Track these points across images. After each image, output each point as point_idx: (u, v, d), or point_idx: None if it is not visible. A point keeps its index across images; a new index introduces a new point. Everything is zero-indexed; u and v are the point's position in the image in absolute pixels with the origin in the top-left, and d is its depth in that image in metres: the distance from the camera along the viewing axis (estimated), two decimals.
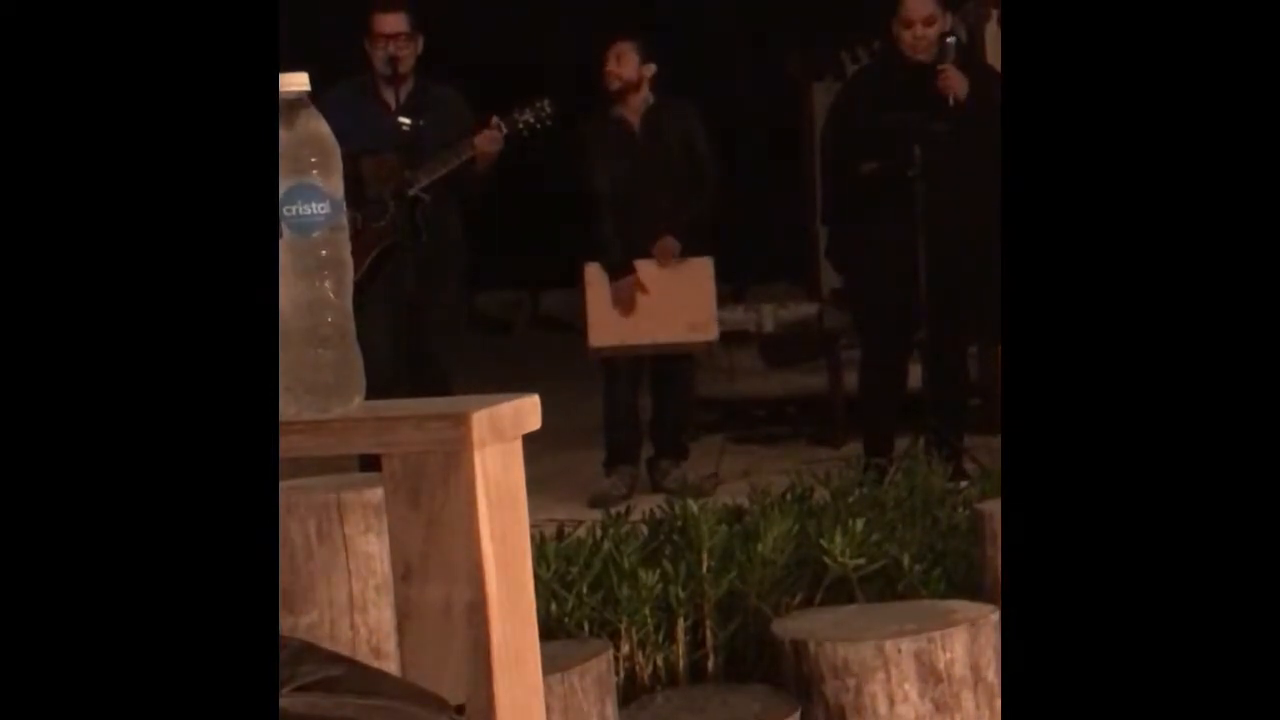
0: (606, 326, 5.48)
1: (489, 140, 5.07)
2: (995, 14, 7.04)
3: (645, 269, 5.48)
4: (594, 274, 5.51)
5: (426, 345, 5.18)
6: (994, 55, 6.86)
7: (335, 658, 1.55)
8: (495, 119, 5.10)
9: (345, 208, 1.59)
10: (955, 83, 5.02)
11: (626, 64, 5.51)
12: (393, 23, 5.16)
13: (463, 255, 5.36)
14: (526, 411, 1.64)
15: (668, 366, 5.67)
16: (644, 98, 5.57)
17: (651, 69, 5.55)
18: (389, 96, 5.17)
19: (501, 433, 1.59)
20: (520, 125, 5.14)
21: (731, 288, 7.41)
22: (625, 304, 5.45)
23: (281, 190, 1.54)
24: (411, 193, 5.03)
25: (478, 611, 1.59)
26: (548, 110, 5.16)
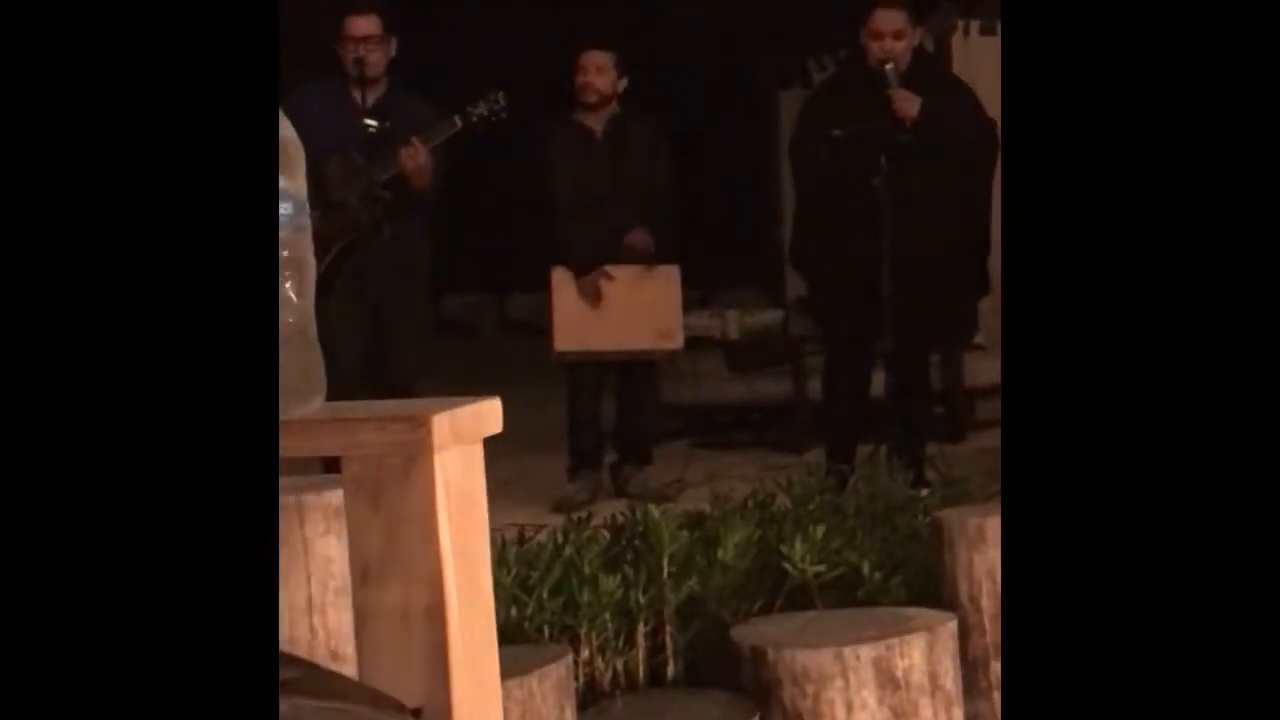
0: (572, 331, 5.48)
1: (409, 157, 5.01)
2: (961, 25, 7.08)
3: (613, 274, 5.48)
4: (560, 277, 5.51)
5: (390, 347, 5.16)
6: (960, 66, 6.90)
7: (292, 660, 1.55)
8: (415, 137, 5.03)
9: (309, 208, 1.59)
10: (906, 105, 5.06)
11: (604, 77, 5.51)
12: (364, 25, 5.14)
13: (427, 257, 5.34)
14: (488, 414, 1.64)
15: (632, 372, 5.67)
16: (611, 107, 5.59)
17: (624, 83, 5.56)
18: (358, 98, 5.16)
19: (462, 435, 1.59)
20: (474, 118, 5.13)
21: (697, 293, 7.42)
22: (592, 297, 5.44)
23: None
24: (376, 189, 5.02)
25: (436, 615, 1.59)
26: (501, 103, 5.14)
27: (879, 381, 5.46)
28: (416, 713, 1.55)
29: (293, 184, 1.59)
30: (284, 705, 1.46)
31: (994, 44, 7.45)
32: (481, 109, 5.13)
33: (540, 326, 5.67)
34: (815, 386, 6.03)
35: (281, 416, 1.57)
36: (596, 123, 5.58)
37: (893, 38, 5.15)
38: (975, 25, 7.43)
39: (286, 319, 1.57)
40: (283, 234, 1.57)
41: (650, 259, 5.49)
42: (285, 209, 1.58)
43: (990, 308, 6.99)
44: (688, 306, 5.94)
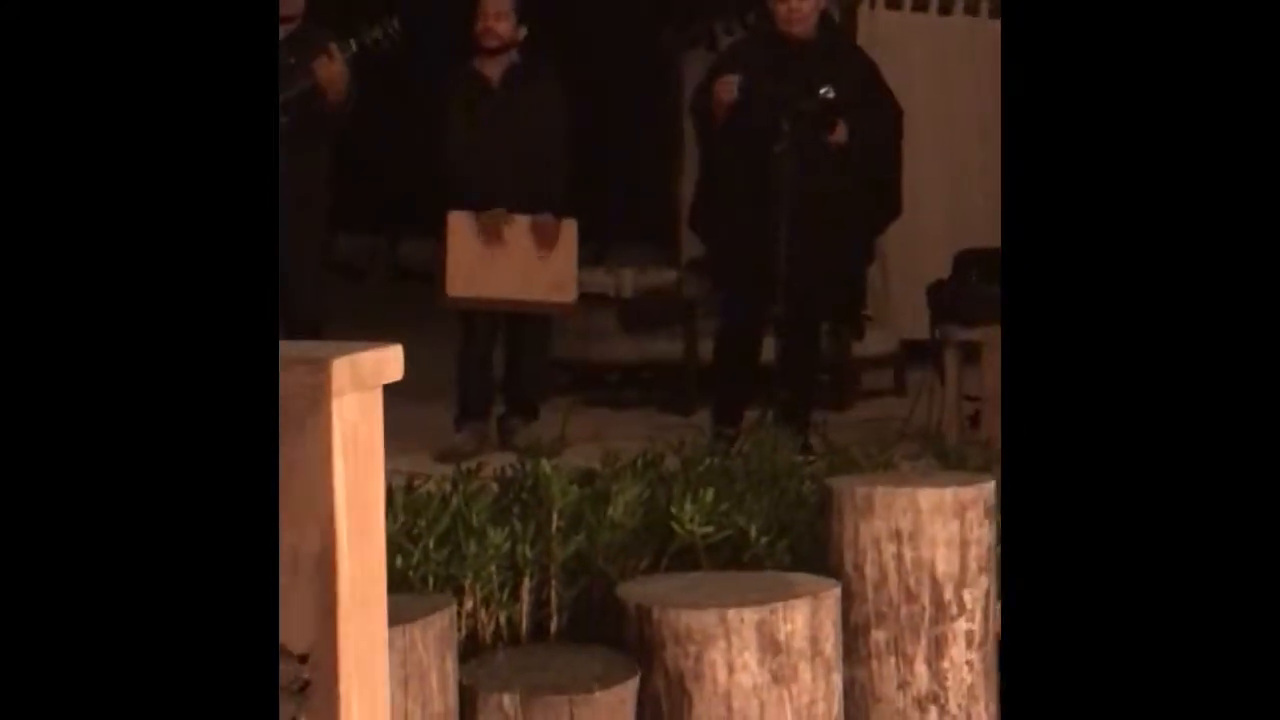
0: (465, 277, 5.44)
1: (323, 66, 5.00)
2: None
3: (508, 227, 5.45)
4: (456, 221, 5.46)
5: (290, 286, 5.00)
6: (864, 36, 6.93)
7: None
8: (332, 45, 5.03)
9: None
10: (839, 134, 5.08)
11: (504, 22, 5.47)
12: None
13: (326, 190, 5.26)
14: (388, 361, 1.63)
15: (524, 325, 5.65)
16: (510, 56, 5.54)
17: (524, 31, 5.53)
18: None
19: (363, 381, 1.57)
20: (369, 42, 5.11)
21: (593, 250, 7.40)
22: (492, 234, 5.41)
23: None
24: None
25: (326, 561, 1.57)
26: (396, 27, 5.13)
27: (769, 347, 5.49)
28: (303, 658, 1.53)
29: None
30: None
31: (895, 19, 7.51)
32: (376, 32, 5.11)
33: (431, 273, 5.61)
34: (706, 349, 6.04)
35: None
36: (494, 70, 5.54)
37: None
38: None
39: None
40: None
41: (549, 218, 5.46)
42: None
43: (879, 279, 7.05)
44: (582, 263, 5.92)
